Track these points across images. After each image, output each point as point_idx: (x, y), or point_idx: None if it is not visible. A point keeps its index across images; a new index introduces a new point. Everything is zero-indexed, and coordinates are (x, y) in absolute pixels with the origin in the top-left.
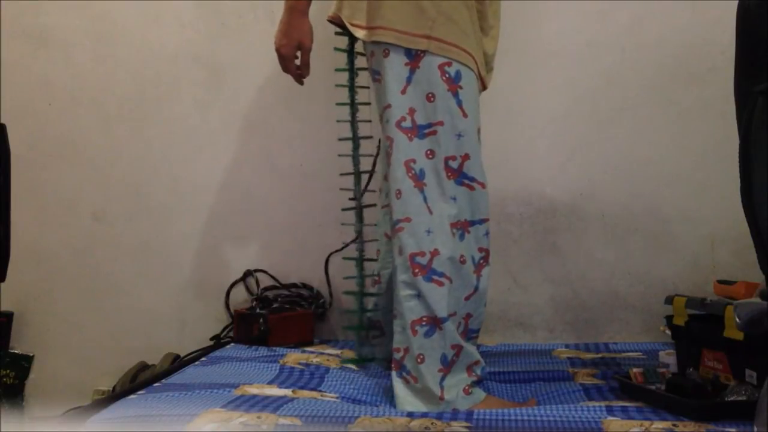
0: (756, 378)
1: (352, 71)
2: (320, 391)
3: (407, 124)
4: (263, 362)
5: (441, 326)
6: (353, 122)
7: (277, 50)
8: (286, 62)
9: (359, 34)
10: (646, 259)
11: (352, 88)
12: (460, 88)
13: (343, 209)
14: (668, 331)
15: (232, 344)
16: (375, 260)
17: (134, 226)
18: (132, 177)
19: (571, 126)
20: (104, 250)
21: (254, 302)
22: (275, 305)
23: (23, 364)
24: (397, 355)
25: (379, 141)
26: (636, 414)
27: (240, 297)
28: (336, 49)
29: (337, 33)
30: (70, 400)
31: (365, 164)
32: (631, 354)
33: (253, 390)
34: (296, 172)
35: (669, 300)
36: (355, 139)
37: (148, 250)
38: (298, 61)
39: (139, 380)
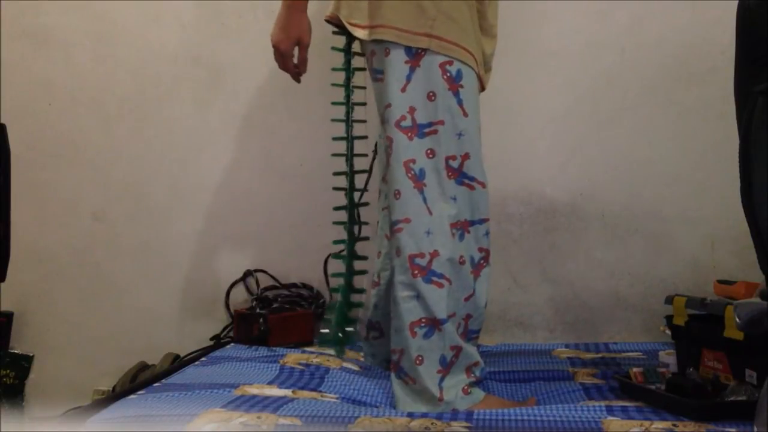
0: (756, 378)
1: (349, 71)
2: (320, 391)
3: (407, 123)
4: (263, 362)
5: (440, 328)
6: (348, 122)
7: (275, 46)
8: (284, 59)
9: (358, 33)
10: (646, 259)
11: (348, 88)
12: (461, 87)
13: (335, 208)
14: (668, 331)
15: (232, 344)
16: (366, 258)
17: (134, 226)
18: (132, 177)
19: (571, 126)
20: (104, 250)
21: (254, 302)
22: (275, 305)
23: (23, 364)
24: (394, 357)
25: (376, 144)
26: (636, 414)
27: (240, 297)
28: (333, 48)
29: (334, 32)
30: (70, 400)
31: (360, 164)
32: (631, 354)
33: (253, 390)
34: (296, 172)
35: (669, 300)
36: (350, 139)
37: (148, 250)
38: (294, 59)
39: (139, 380)
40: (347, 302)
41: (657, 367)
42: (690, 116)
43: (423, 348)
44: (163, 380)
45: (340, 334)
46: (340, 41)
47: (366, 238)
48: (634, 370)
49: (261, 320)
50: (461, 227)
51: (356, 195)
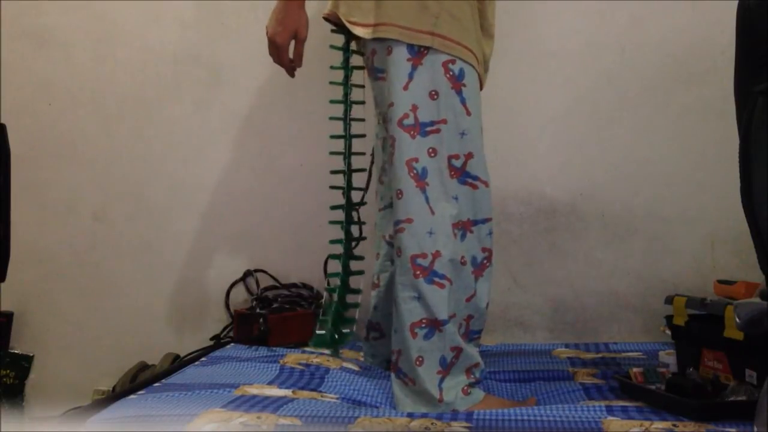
0: (756, 378)
1: (347, 69)
2: (320, 391)
3: (409, 121)
4: (263, 362)
5: (441, 328)
6: (346, 120)
7: (271, 39)
8: (280, 52)
9: (359, 31)
10: (646, 259)
11: (346, 86)
12: (464, 86)
13: (332, 207)
14: (668, 331)
15: (232, 344)
16: (362, 258)
17: (134, 226)
18: (132, 177)
19: (571, 126)
20: (104, 250)
21: (254, 302)
22: (275, 305)
23: (23, 364)
24: (394, 357)
25: (373, 147)
26: (636, 414)
27: (240, 297)
28: (332, 46)
29: (332, 31)
30: (70, 400)
31: (358, 162)
32: (631, 354)
33: (253, 390)
34: (296, 172)
35: (669, 300)
36: (348, 138)
37: (148, 250)
38: (290, 53)
39: (139, 380)
40: (342, 302)
41: (657, 367)
42: (690, 116)
43: (423, 349)
44: (163, 380)
45: (335, 335)
46: (339, 39)
47: (364, 238)
48: (634, 370)
49: (261, 320)
50: (463, 227)
51: (355, 194)
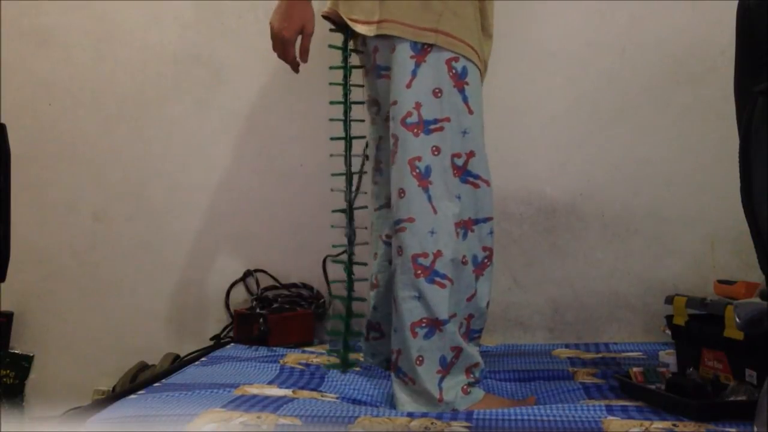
0: (756, 378)
1: (347, 68)
2: (320, 391)
3: (413, 119)
4: (263, 362)
5: (441, 328)
6: (346, 121)
7: (277, 34)
8: (286, 47)
9: (361, 29)
10: (646, 259)
11: (346, 86)
12: (467, 84)
13: (334, 211)
14: (668, 331)
15: (232, 344)
16: (366, 264)
17: (134, 226)
18: (132, 177)
19: (571, 126)
20: (104, 250)
21: (254, 302)
22: (275, 305)
23: (23, 364)
24: (393, 357)
25: (366, 144)
26: (636, 414)
27: (240, 297)
28: (330, 46)
29: (331, 30)
30: (70, 400)
31: (357, 164)
32: (631, 354)
33: (253, 390)
34: (296, 172)
35: (669, 300)
36: (348, 139)
37: (148, 250)
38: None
39: (139, 380)
40: (349, 313)
41: (657, 367)
42: (690, 116)
43: (423, 348)
44: (163, 380)
45: (347, 359)
46: (338, 39)
47: (365, 243)
48: (634, 369)
49: (261, 320)
50: (464, 226)
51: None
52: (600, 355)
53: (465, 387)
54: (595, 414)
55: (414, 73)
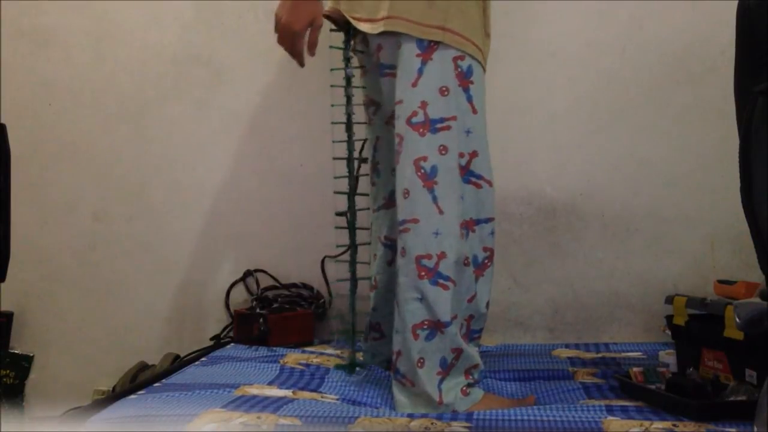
0: (756, 378)
1: (348, 68)
2: (320, 392)
3: (419, 118)
4: (263, 362)
5: (443, 330)
6: (349, 123)
7: (286, 26)
8: (296, 39)
9: (364, 27)
10: (646, 259)
11: (348, 87)
12: (471, 83)
13: (337, 213)
14: (668, 331)
15: (232, 344)
16: (368, 263)
17: (134, 226)
18: (132, 177)
19: (571, 126)
20: (104, 250)
21: (254, 302)
22: (275, 305)
23: (23, 364)
24: (393, 358)
25: (364, 142)
26: (636, 414)
27: (240, 297)
28: (331, 46)
29: (332, 30)
30: (70, 400)
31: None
32: (631, 354)
33: (253, 391)
34: (296, 172)
35: (669, 300)
36: (351, 141)
37: (148, 250)
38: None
39: (139, 380)
40: (353, 312)
41: (657, 367)
42: (690, 116)
43: (424, 350)
44: (163, 380)
45: (355, 362)
46: (338, 39)
47: (366, 243)
48: (634, 369)
49: (261, 320)
50: (466, 226)
51: (360, 199)
52: (600, 355)
53: (464, 388)
54: (595, 414)
55: (420, 72)
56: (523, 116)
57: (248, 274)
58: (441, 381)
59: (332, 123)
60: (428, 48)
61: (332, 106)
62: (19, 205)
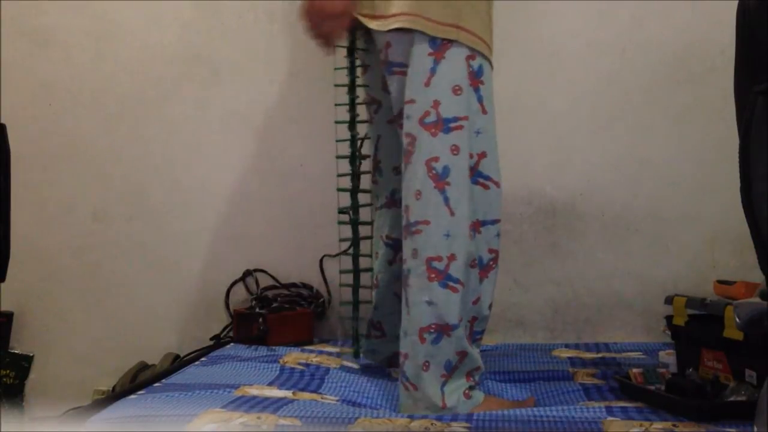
0: (756, 378)
1: (353, 69)
2: (320, 393)
3: (431, 118)
4: (263, 362)
5: (450, 333)
6: (352, 123)
7: (321, 8)
8: (333, 22)
9: (372, 24)
10: (646, 259)
11: (352, 88)
12: (482, 83)
13: (340, 210)
14: (668, 332)
15: (232, 344)
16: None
17: (134, 226)
18: (132, 177)
19: (571, 126)
20: (104, 250)
21: (254, 302)
22: (275, 305)
23: (23, 364)
24: (400, 360)
25: (362, 140)
26: (636, 414)
27: (240, 297)
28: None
29: None
30: (70, 400)
31: (364, 165)
32: (631, 354)
33: (253, 391)
34: (296, 172)
35: (669, 300)
36: (354, 141)
37: (148, 250)
38: None
39: (139, 380)
40: (356, 304)
41: (657, 367)
42: (690, 116)
43: (431, 354)
44: (163, 380)
45: (360, 346)
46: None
47: (369, 237)
48: (634, 370)
49: (260, 320)
50: (473, 228)
51: (362, 196)
52: (600, 355)
53: (466, 391)
54: (595, 415)
55: (433, 71)
56: (523, 116)
57: (248, 273)
58: (444, 384)
59: (336, 122)
60: (441, 46)
61: (336, 105)
62: (19, 205)
